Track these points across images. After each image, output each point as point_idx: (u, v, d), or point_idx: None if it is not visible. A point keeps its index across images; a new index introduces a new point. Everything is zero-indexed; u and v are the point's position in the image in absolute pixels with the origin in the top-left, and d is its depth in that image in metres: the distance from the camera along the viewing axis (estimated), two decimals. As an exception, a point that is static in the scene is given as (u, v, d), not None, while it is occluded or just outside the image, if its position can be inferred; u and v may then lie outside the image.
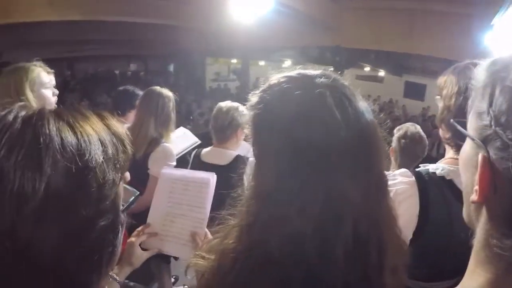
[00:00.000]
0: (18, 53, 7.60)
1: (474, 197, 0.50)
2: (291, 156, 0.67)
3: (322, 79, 0.71)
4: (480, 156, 0.49)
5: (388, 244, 0.69)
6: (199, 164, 2.38)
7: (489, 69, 0.52)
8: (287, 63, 13.11)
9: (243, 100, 0.82)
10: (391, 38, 8.83)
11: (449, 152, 1.30)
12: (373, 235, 0.67)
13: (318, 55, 11.11)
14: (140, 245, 1.42)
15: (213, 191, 1.48)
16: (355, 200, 0.65)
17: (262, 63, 16.20)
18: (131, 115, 2.94)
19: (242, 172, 0.83)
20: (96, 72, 16.51)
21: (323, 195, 0.64)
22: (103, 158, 0.52)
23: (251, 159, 0.77)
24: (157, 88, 2.59)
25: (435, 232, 1.20)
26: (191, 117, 10.55)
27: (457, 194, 1.17)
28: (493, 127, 0.48)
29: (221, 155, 2.36)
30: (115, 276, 1.14)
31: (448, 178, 1.22)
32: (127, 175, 0.61)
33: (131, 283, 1.09)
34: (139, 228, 1.48)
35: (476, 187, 0.50)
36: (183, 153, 2.81)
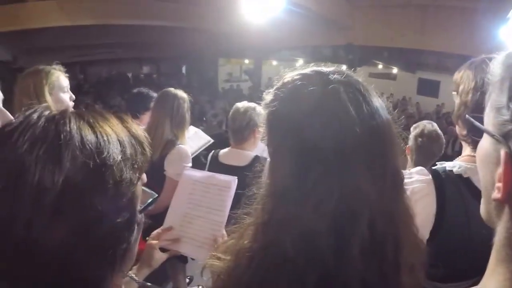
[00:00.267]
0: (31, 58, 7.77)
1: (496, 194, 0.49)
2: (306, 152, 0.66)
3: (335, 76, 0.71)
4: (502, 153, 0.48)
5: (404, 242, 0.68)
6: (217, 166, 2.37)
7: (506, 62, 0.51)
8: (300, 62, 13.07)
9: (255, 100, 0.83)
10: (403, 35, 8.72)
11: (466, 150, 1.28)
12: (389, 233, 0.66)
13: (331, 54, 11.05)
14: None
15: (233, 194, 1.48)
16: (370, 197, 0.64)
17: (274, 63, 16.17)
18: (145, 117, 2.97)
19: (259, 171, 0.83)
20: (110, 75, 16.67)
21: (338, 191, 0.64)
22: (121, 157, 0.54)
23: (269, 159, 0.77)
24: (172, 89, 2.60)
25: (452, 231, 1.18)
26: (204, 118, 10.58)
27: (475, 192, 1.16)
28: None
29: (239, 156, 2.36)
30: (134, 276, 1.16)
31: (465, 176, 1.20)
32: (144, 176, 0.62)
33: (149, 284, 1.10)
34: (158, 230, 1.49)
35: (498, 184, 0.48)
36: (197, 153, 2.82)
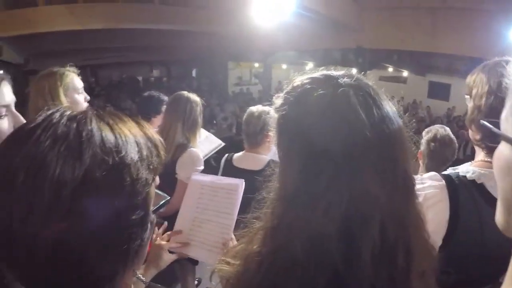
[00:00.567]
0: (42, 61, 7.88)
1: None
2: (315, 156, 0.66)
3: (345, 79, 0.71)
4: None
5: (415, 248, 0.68)
6: (231, 170, 2.37)
7: None
8: (309, 66, 13.05)
9: (265, 104, 0.83)
10: (413, 37, 8.64)
11: (479, 155, 1.26)
12: (400, 237, 0.66)
13: (341, 57, 11.04)
14: None
15: (241, 197, 1.48)
16: (380, 201, 0.64)
17: (284, 66, 16.18)
18: (156, 121, 2.98)
19: (269, 175, 0.83)
20: (120, 79, 16.82)
21: (347, 195, 0.64)
22: (138, 157, 0.56)
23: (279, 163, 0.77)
24: (185, 92, 2.62)
25: (465, 238, 1.16)
26: (214, 121, 10.63)
27: (488, 198, 1.14)
28: None
29: (253, 160, 2.34)
30: (141, 277, 1.17)
31: (479, 182, 1.18)
32: (157, 179, 0.63)
33: (158, 285, 1.11)
34: (168, 233, 1.50)
35: None
36: (207, 156, 2.83)
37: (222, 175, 2.32)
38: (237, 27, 8.89)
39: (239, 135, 9.26)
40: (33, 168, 0.49)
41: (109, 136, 0.55)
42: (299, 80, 0.76)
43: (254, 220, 0.80)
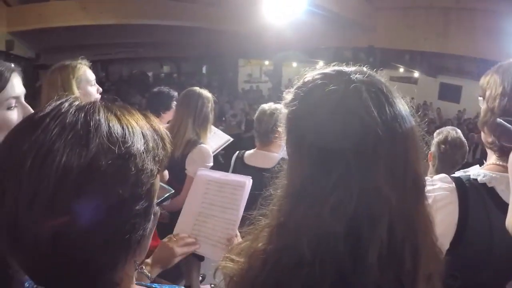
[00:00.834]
0: (54, 56, 7.96)
1: None
2: (325, 153, 0.65)
3: (357, 75, 0.70)
4: None
5: (423, 250, 0.67)
6: (243, 167, 2.37)
7: None
8: (320, 64, 12.94)
9: (275, 102, 0.82)
10: (425, 38, 8.54)
11: (491, 158, 1.23)
12: (408, 239, 0.65)
13: (352, 56, 10.95)
14: None
15: (248, 194, 1.48)
16: (390, 201, 0.63)
17: (294, 64, 16.13)
18: (166, 116, 2.99)
19: (277, 171, 0.82)
20: (130, 74, 16.92)
21: (357, 193, 0.63)
22: (144, 148, 0.57)
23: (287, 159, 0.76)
24: (197, 88, 2.63)
25: (473, 242, 1.14)
26: (224, 118, 10.65)
27: (498, 202, 1.12)
28: None
29: (265, 158, 2.34)
30: (147, 273, 1.18)
31: (489, 185, 1.16)
32: (166, 173, 0.64)
33: (162, 280, 1.11)
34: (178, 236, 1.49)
35: None
36: (217, 152, 2.83)
37: (233, 172, 2.32)
38: (247, 25, 8.88)
39: (247, 132, 9.27)
40: (40, 155, 0.50)
41: (116, 126, 0.56)
42: (310, 75, 0.75)
43: (260, 218, 0.79)
